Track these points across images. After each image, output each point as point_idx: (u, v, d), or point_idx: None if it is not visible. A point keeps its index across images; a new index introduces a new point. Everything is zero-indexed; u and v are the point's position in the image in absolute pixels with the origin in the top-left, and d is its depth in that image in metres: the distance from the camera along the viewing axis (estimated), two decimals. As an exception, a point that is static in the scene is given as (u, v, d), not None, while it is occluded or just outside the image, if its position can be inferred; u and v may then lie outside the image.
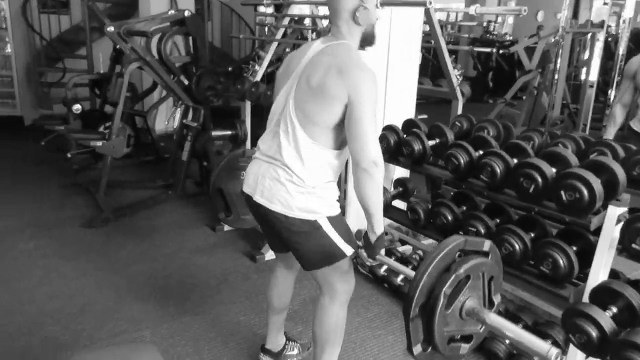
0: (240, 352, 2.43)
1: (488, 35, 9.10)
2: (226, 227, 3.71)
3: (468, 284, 1.38)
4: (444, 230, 2.59)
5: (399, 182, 3.05)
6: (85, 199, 4.30)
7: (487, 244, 1.44)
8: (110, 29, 3.77)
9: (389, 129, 2.92)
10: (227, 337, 2.54)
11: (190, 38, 4.26)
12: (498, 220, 2.48)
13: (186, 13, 4.02)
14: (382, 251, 1.84)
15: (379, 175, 1.68)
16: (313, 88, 1.70)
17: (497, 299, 1.48)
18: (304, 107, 1.73)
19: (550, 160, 2.19)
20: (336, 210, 1.84)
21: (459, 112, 3.80)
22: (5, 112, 7.05)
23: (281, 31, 3.58)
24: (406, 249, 3.36)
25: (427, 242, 3.26)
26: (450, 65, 3.70)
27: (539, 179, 2.09)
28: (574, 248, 2.17)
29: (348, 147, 1.72)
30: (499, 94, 6.83)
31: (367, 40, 1.84)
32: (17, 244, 3.48)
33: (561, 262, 2.06)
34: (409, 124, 2.96)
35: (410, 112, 3.53)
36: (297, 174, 1.75)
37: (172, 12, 4.19)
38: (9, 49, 6.85)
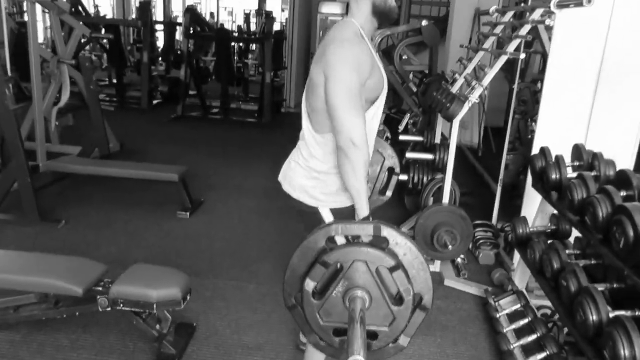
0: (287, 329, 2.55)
1: None
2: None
3: (343, 274, 1.24)
4: (554, 286, 2.09)
5: (554, 219, 2.57)
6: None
7: (385, 232, 1.24)
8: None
9: (540, 151, 2.51)
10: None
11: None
12: (628, 313, 1.68)
13: (423, 22, 4.14)
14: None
15: (357, 156, 1.57)
16: (310, 77, 1.71)
17: (406, 295, 1.23)
18: (308, 96, 1.75)
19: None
20: (341, 202, 1.76)
21: None
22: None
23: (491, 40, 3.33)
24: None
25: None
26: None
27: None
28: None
29: None
30: None
31: (381, 14, 1.69)
32: (245, 202, 4.33)
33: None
34: (575, 152, 2.48)
35: (628, 139, 2.83)
36: (306, 157, 1.78)
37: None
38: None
